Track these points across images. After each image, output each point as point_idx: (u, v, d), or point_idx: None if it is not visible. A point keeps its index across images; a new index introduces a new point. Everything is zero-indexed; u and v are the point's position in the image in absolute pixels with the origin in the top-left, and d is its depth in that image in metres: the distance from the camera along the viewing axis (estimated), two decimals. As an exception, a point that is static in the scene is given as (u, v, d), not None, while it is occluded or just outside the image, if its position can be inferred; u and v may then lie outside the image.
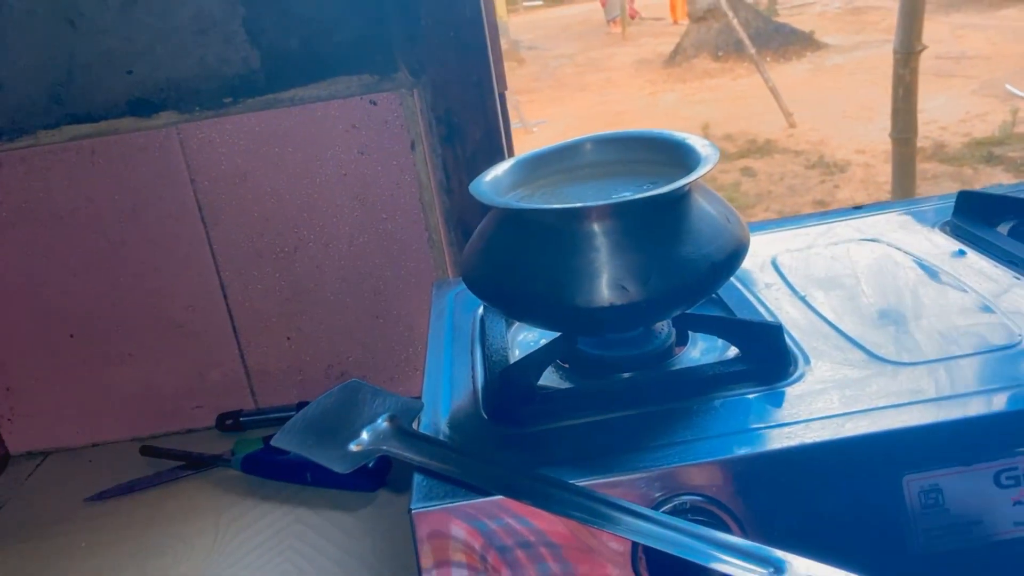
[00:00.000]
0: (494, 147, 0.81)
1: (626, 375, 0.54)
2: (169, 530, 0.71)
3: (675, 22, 9.21)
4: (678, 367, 0.54)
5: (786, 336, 0.53)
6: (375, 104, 0.76)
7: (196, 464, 0.78)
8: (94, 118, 0.77)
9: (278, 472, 0.74)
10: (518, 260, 0.52)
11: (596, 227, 0.50)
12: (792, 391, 0.48)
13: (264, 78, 0.77)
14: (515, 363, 0.53)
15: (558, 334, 0.56)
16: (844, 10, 9.10)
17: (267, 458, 0.75)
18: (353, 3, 0.75)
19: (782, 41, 7.24)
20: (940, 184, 3.91)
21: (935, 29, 7.12)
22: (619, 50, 8.73)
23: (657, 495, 0.44)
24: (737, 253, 0.51)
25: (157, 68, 0.76)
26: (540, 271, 0.51)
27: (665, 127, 0.59)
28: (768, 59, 6.67)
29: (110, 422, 0.85)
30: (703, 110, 5.72)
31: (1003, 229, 0.64)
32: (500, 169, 0.59)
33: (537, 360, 0.53)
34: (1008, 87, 4.95)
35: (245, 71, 0.76)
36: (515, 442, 0.49)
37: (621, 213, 0.50)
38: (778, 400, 0.48)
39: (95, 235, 0.79)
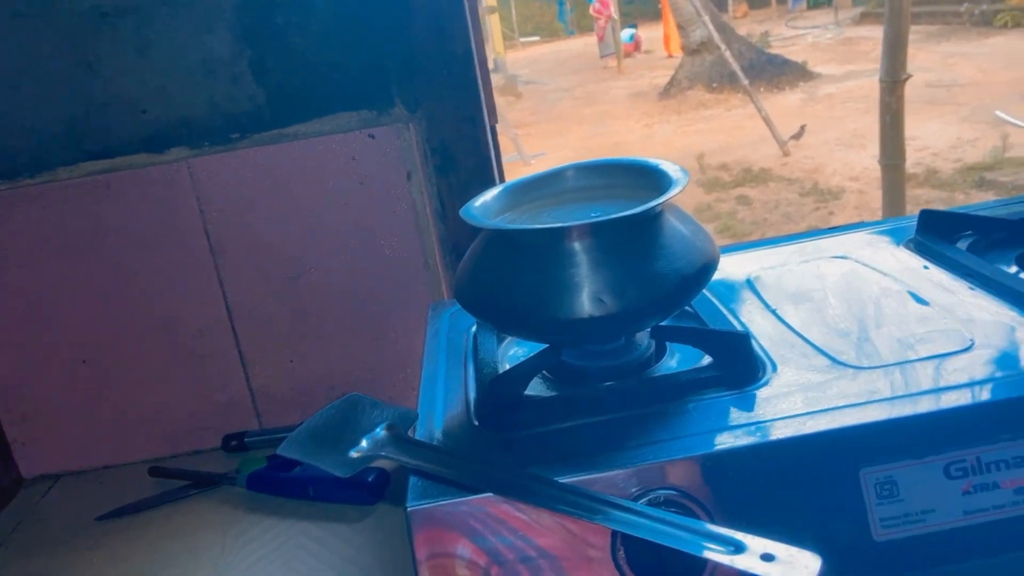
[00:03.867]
0: (486, 176, 0.85)
1: (608, 384, 0.58)
2: (177, 545, 0.74)
3: (669, 55, 9.38)
4: (656, 375, 0.58)
5: (754, 344, 0.57)
6: (373, 137, 0.81)
7: (203, 483, 0.81)
8: (110, 154, 0.82)
9: (281, 488, 0.77)
10: (505, 278, 0.56)
11: (576, 245, 0.54)
12: (760, 394, 0.52)
13: (269, 115, 0.82)
14: (503, 373, 0.57)
15: (544, 346, 0.60)
16: (836, 41, 9.27)
17: (271, 475, 0.78)
18: (352, 43, 0.80)
19: (775, 72, 7.37)
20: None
21: (926, 58, 7.25)
22: (615, 83, 8.88)
23: (634, 490, 0.47)
24: (706, 267, 0.55)
25: (169, 107, 0.81)
26: (525, 287, 0.55)
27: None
28: (761, 89, 6.78)
29: (121, 445, 0.89)
30: (698, 140, 5.81)
31: (962, 245, 0.68)
32: (489, 195, 0.64)
33: (524, 370, 0.57)
34: (998, 114, 5.03)
35: (251, 108, 0.81)
36: (503, 446, 0.53)
37: (598, 232, 0.54)
38: (746, 403, 0.52)
39: (108, 265, 0.83)
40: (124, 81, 0.80)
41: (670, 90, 7.48)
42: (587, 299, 0.53)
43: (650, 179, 0.60)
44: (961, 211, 0.71)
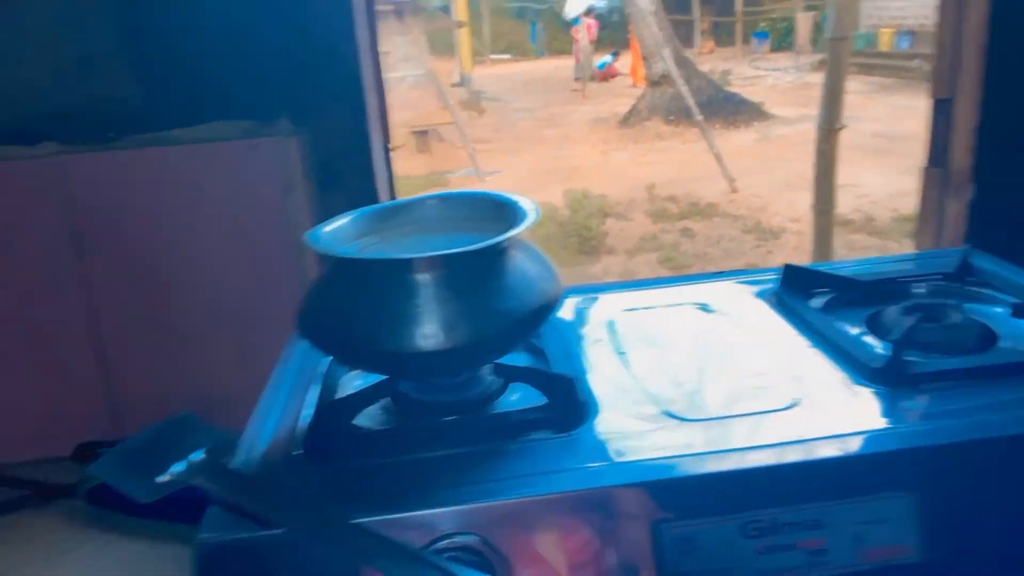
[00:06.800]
0: (371, 196, 0.84)
1: (444, 419, 0.57)
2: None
3: (635, 84, 9.52)
4: (494, 412, 0.57)
5: (587, 388, 0.56)
6: (254, 149, 0.79)
7: (42, 493, 0.78)
8: (-27, 144, 0.78)
9: (123, 505, 0.74)
10: (345, 306, 0.55)
11: (414, 278, 0.53)
12: (582, 439, 0.52)
13: (148, 116, 0.79)
14: (333, 401, 0.56)
15: (383, 377, 0.59)
16: (794, 84, 9.52)
17: (112, 490, 0.74)
18: (241, 53, 0.79)
19: (732, 110, 7.53)
20: (868, 255, 4.08)
21: (875, 109, 7.49)
22: (578, 108, 8.97)
23: (442, 531, 0.46)
24: (543, 309, 0.55)
25: (42, 100, 0.78)
26: (362, 317, 0.54)
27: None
28: (718, 126, 6.92)
29: (-34, 446, 0.84)
30: (651, 171, 5.88)
31: (818, 302, 0.69)
32: (344, 220, 0.62)
33: (356, 400, 0.56)
34: (936, 168, 5.20)
35: (129, 108, 0.79)
36: (324, 477, 0.51)
37: (435, 266, 0.53)
38: (567, 447, 0.51)
39: (-35, 258, 0.79)
40: (-8, 70, 0.77)
41: (630, 119, 7.58)
42: (418, 333, 0.52)
43: (508, 214, 0.60)
44: (821, 268, 0.73)
